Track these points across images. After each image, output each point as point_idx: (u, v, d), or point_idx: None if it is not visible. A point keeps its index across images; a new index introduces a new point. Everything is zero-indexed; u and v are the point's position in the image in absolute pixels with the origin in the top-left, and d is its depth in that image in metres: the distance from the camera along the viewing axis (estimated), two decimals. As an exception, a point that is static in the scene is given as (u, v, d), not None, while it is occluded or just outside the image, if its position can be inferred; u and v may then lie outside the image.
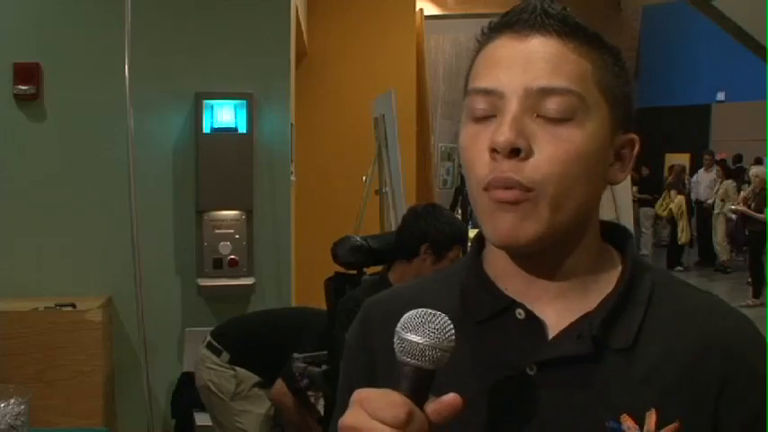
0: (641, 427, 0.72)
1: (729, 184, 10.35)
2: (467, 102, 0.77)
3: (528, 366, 0.75)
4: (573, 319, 0.76)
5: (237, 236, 3.56)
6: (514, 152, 0.71)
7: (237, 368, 3.01)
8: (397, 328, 0.67)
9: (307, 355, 3.15)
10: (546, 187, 0.72)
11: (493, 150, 0.72)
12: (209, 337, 3.09)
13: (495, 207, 0.73)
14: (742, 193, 9.19)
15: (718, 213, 10.25)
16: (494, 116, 0.74)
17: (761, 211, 8.33)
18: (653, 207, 11.34)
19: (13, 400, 1.52)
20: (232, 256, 3.53)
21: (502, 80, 0.73)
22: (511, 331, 0.77)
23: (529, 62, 0.73)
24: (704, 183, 11.31)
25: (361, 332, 0.88)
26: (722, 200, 10.19)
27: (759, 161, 10.62)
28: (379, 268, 2.79)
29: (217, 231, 3.55)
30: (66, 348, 3.16)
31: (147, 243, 3.16)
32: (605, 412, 0.73)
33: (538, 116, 0.72)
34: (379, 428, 0.63)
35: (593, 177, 0.75)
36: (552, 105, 0.72)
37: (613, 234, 0.83)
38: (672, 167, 11.66)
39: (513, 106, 0.72)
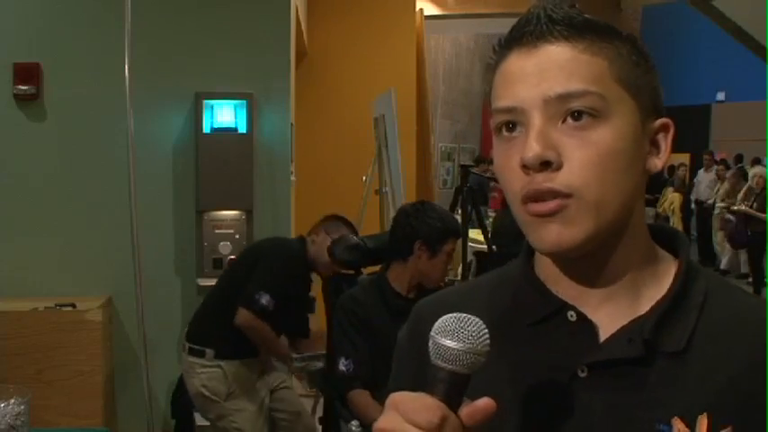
0: (692, 430, 0.72)
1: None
2: (492, 121, 0.77)
3: (579, 368, 0.75)
4: (624, 322, 0.76)
5: (237, 236, 3.57)
6: (545, 164, 0.72)
7: (222, 362, 2.95)
8: (432, 333, 0.67)
9: (305, 354, 3.15)
10: (584, 192, 0.72)
11: (524, 166, 0.73)
12: (188, 344, 3.02)
13: (535, 220, 0.73)
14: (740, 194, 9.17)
15: (719, 213, 10.23)
16: (521, 130, 0.74)
17: (762, 212, 8.31)
18: (654, 207, 11.34)
19: (13, 400, 1.51)
20: (232, 256, 3.52)
21: (520, 95, 0.74)
22: (562, 333, 0.78)
23: (542, 72, 0.73)
24: (704, 183, 11.30)
25: (411, 332, 0.90)
26: (722, 200, 10.17)
27: (758, 161, 10.61)
28: (376, 268, 2.79)
29: (217, 231, 3.56)
30: (66, 348, 3.16)
31: (147, 243, 3.15)
32: (656, 415, 0.73)
33: (562, 123, 0.73)
34: None
35: (630, 172, 0.74)
36: (574, 110, 0.72)
37: (665, 236, 0.83)
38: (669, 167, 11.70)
39: (535, 120, 0.73)
